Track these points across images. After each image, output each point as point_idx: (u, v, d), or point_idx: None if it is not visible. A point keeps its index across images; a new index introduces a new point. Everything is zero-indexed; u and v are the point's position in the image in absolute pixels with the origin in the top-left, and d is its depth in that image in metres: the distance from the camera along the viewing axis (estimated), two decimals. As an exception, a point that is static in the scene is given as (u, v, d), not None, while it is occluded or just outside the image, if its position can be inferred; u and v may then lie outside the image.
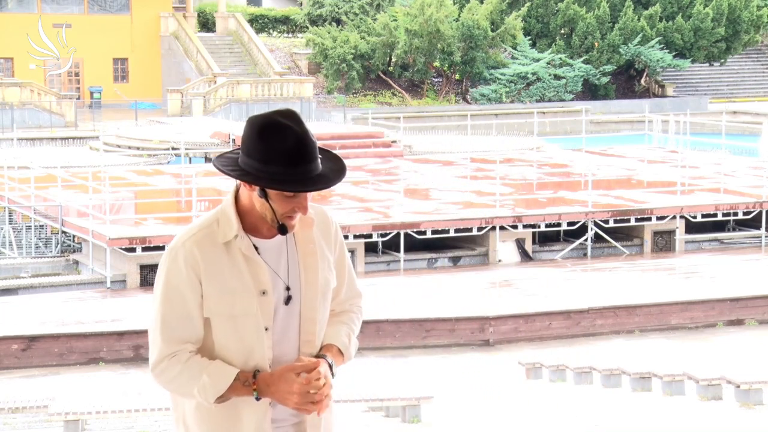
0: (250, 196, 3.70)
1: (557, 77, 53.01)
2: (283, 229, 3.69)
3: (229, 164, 3.72)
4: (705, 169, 31.36)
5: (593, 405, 11.95)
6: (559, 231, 24.79)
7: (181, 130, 34.34)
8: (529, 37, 54.05)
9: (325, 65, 51.19)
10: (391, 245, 23.13)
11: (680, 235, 24.89)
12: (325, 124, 41.86)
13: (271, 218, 3.69)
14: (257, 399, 3.69)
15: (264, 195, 3.66)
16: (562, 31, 54.40)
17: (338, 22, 55.84)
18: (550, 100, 52.31)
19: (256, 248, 3.73)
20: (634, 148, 36.73)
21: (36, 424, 11.23)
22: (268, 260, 3.74)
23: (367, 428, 11.00)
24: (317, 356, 3.79)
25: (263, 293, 3.70)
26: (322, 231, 3.87)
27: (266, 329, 3.72)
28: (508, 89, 52.20)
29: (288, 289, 3.76)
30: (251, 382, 3.67)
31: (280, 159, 3.61)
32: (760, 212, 25.57)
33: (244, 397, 3.69)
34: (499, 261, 23.55)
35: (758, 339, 18.04)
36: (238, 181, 3.75)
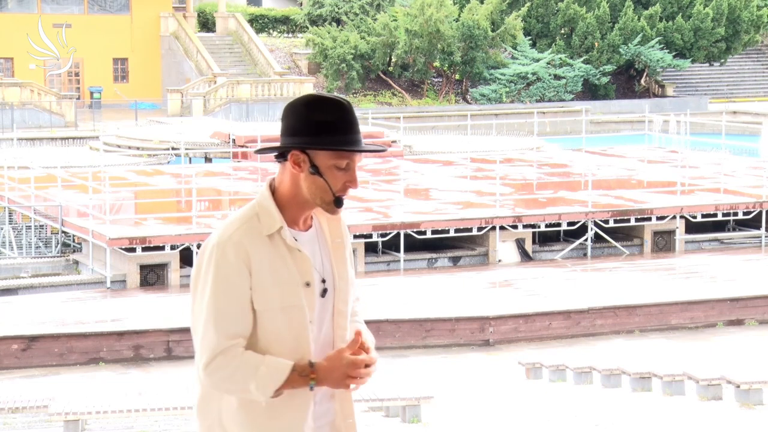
0: (293, 183, 3.72)
1: (557, 77, 53.01)
2: (339, 202, 3.72)
3: (274, 148, 3.76)
4: (705, 169, 31.36)
5: (593, 405, 11.95)
6: (559, 231, 24.79)
7: (181, 130, 34.33)
8: (529, 37, 54.05)
9: (325, 65, 51.19)
10: (391, 245, 23.13)
11: (680, 235, 24.89)
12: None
13: (321, 197, 3.71)
14: (311, 389, 3.70)
15: (317, 172, 3.68)
16: (562, 31, 54.40)
17: (338, 22, 55.85)
18: (550, 100, 52.30)
19: (295, 239, 3.76)
20: (634, 148, 36.73)
21: (36, 424, 11.22)
22: (306, 252, 3.77)
23: (367, 428, 11.00)
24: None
25: (307, 285, 3.73)
26: (342, 227, 3.93)
27: (310, 322, 3.75)
28: (508, 89, 52.21)
29: (323, 281, 3.79)
30: (309, 372, 3.68)
31: (330, 127, 3.67)
32: (760, 212, 25.57)
33: (287, 395, 3.69)
34: (499, 261, 23.55)
35: (758, 339, 18.04)
36: (271, 178, 3.78)
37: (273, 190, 3.77)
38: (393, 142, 35.75)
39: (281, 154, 3.75)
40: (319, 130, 3.66)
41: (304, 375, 3.67)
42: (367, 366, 3.72)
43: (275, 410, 3.72)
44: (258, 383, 3.64)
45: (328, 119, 3.67)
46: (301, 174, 3.70)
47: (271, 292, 3.68)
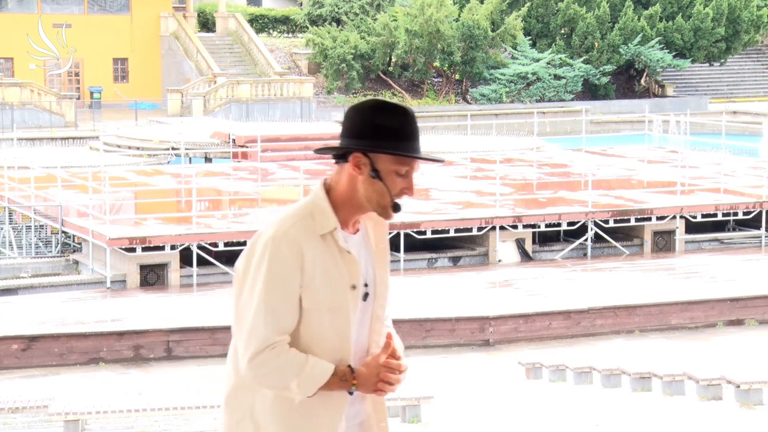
0: (350, 185, 3.73)
1: (557, 77, 53.02)
2: (397, 207, 3.74)
3: (334, 149, 3.78)
4: (705, 169, 31.36)
5: (593, 405, 11.95)
6: (559, 231, 24.79)
7: (181, 130, 34.36)
8: (529, 37, 54.05)
9: (325, 65, 51.19)
10: (391, 245, 23.12)
11: (680, 235, 24.89)
12: (325, 124, 41.85)
13: (377, 201, 3.73)
14: (351, 393, 3.73)
15: (377, 176, 3.70)
16: (562, 31, 54.40)
17: (338, 22, 55.85)
18: (550, 100, 52.30)
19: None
20: (634, 148, 36.73)
21: (36, 424, 11.22)
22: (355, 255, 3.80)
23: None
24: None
25: (353, 287, 3.75)
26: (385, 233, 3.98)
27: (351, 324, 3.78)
28: (508, 89, 52.21)
29: (366, 285, 3.81)
30: (350, 377, 3.72)
31: (394, 133, 3.70)
32: (760, 212, 25.57)
33: (323, 394, 3.71)
34: (499, 261, 23.55)
35: (758, 339, 18.04)
36: (325, 178, 3.79)
37: (327, 190, 3.77)
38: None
39: (340, 155, 3.76)
40: (384, 134, 3.68)
41: (344, 380, 3.71)
42: (399, 372, 3.76)
43: (311, 409, 3.73)
44: (300, 382, 3.66)
45: (393, 124, 3.69)
46: (360, 177, 3.72)
47: (321, 291, 3.70)
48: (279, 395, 3.72)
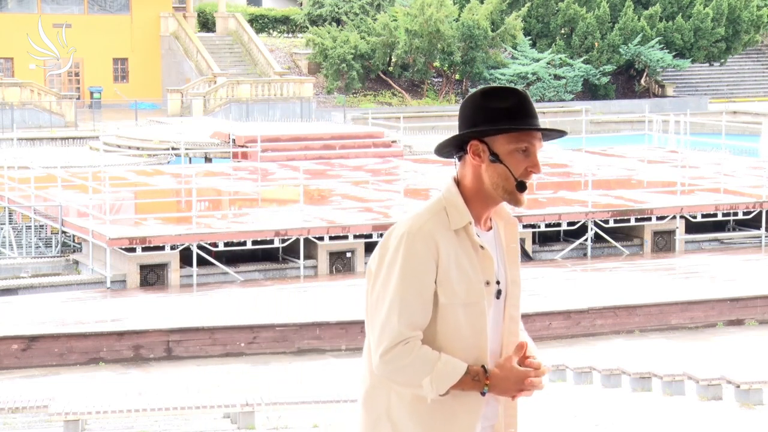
0: (475, 176, 3.70)
1: (557, 77, 53.02)
2: (522, 186, 3.68)
3: (450, 144, 3.75)
4: (705, 169, 31.36)
5: (593, 405, 11.94)
6: (559, 231, 24.79)
7: (181, 130, 34.37)
8: (529, 37, 54.06)
9: (325, 65, 51.18)
10: (391, 245, 23.09)
11: (680, 235, 24.89)
12: (325, 124, 41.88)
13: (503, 187, 3.68)
14: (483, 394, 3.67)
15: (497, 159, 3.66)
16: (562, 31, 54.41)
17: (338, 22, 55.85)
18: (550, 100, 52.30)
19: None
20: (634, 148, 36.73)
21: (36, 424, 11.22)
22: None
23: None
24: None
25: (487, 284, 3.71)
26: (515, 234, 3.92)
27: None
28: (508, 89, 52.18)
29: (498, 283, 3.77)
30: (483, 378, 3.65)
31: (506, 112, 3.65)
32: (760, 212, 25.58)
33: (459, 395, 3.66)
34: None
35: (758, 339, 18.04)
36: (454, 173, 3.77)
37: (457, 185, 3.75)
38: (393, 142, 35.76)
39: (460, 149, 3.74)
40: (496, 116, 3.65)
41: (477, 380, 3.64)
42: (536, 374, 3.70)
43: (449, 409, 3.69)
44: (432, 379, 3.60)
45: (503, 105, 3.65)
46: (482, 165, 3.69)
47: (456, 286, 3.65)
48: (416, 395, 3.66)
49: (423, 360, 3.60)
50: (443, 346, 3.66)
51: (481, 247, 3.70)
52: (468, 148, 3.69)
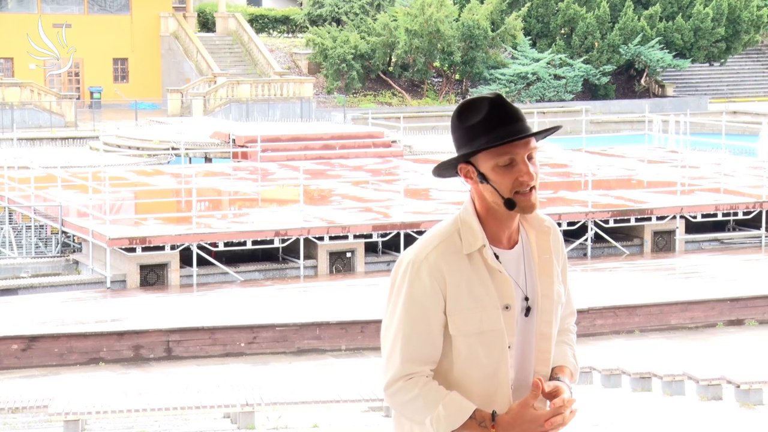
0: (480, 197, 3.51)
1: (557, 77, 53.02)
2: (510, 204, 3.46)
3: (447, 169, 3.58)
4: (705, 169, 31.36)
5: (593, 405, 11.94)
6: (559, 231, 24.77)
7: (181, 130, 34.35)
8: (529, 37, 54.06)
9: (325, 65, 51.19)
10: (391, 245, 23.12)
11: (680, 235, 24.89)
12: (325, 124, 41.86)
13: (498, 204, 3.48)
14: None
15: (484, 179, 3.47)
16: (562, 31, 54.41)
17: (338, 22, 55.85)
18: (550, 100, 52.31)
19: (497, 257, 3.52)
20: (634, 148, 36.73)
21: (36, 424, 11.23)
22: (509, 271, 3.53)
23: (367, 428, 10.99)
24: (551, 379, 3.60)
25: (506, 308, 3.50)
26: (552, 241, 3.66)
27: (509, 347, 3.52)
28: (508, 89, 52.19)
29: (526, 299, 3.56)
30: (490, 425, 3.44)
31: (480, 128, 3.44)
32: (760, 212, 25.58)
33: None
34: (499, 261, 23.52)
35: (758, 339, 18.04)
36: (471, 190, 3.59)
37: (475, 206, 3.56)
38: (393, 142, 35.76)
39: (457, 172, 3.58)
40: (472, 134, 3.46)
41: (484, 426, 3.44)
42: (557, 414, 3.44)
43: None
44: (433, 419, 3.45)
45: (477, 119, 3.45)
46: (479, 186, 3.50)
47: (469, 315, 3.47)
48: None
49: (426, 398, 3.46)
50: (460, 377, 3.51)
51: (499, 271, 3.50)
52: (459, 172, 3.54)
